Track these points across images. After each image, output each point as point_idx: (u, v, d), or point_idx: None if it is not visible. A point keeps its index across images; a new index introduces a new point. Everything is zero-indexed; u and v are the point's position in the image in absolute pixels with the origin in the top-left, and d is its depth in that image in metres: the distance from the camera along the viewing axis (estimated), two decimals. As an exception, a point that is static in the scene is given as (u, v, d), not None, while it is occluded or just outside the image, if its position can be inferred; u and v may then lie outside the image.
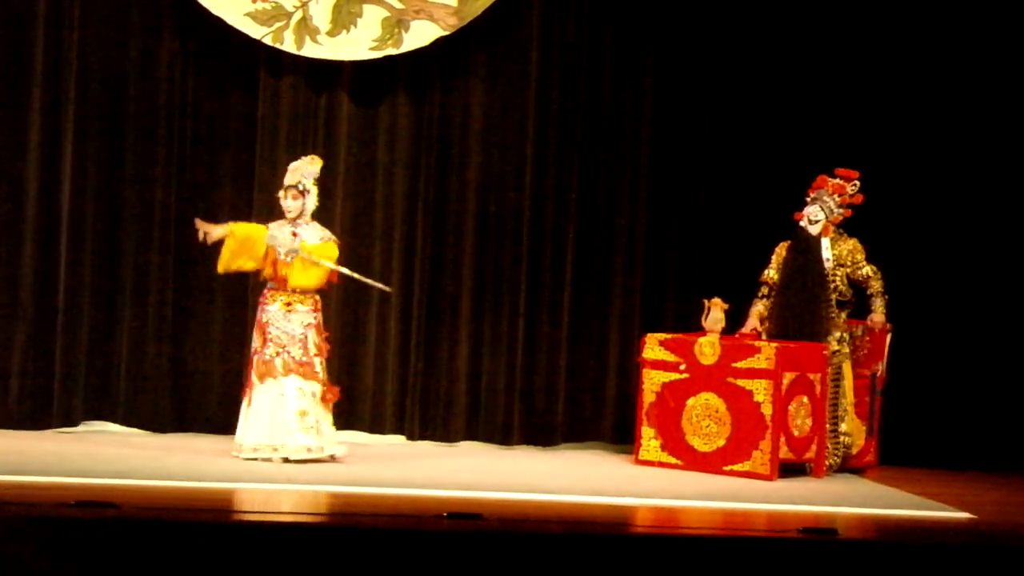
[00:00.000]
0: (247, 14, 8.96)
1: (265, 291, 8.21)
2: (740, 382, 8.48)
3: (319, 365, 8.13)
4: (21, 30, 8.89)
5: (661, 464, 8.60)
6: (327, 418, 8.15)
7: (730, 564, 5.97)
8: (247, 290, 9.10)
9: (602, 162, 9.51)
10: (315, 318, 8.17)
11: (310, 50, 9.05)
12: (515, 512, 6.96)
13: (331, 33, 9.06)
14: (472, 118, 9.36)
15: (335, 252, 8.22)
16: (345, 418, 9.21)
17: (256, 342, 8.14)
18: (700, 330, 8.73)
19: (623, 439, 9.19)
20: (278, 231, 8.15)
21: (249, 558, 5.52)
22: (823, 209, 8.78)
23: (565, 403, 9.43)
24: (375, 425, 9.26)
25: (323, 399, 8.11)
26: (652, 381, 8.70)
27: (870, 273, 8.84)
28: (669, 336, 8.77)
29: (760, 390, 8.44)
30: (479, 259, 9.38)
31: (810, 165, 9.02)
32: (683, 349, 8.64)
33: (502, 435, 9.32)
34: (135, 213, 9.04)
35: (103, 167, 9.01)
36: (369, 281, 8.44)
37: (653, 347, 8.72)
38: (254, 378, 8.07)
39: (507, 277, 9.39)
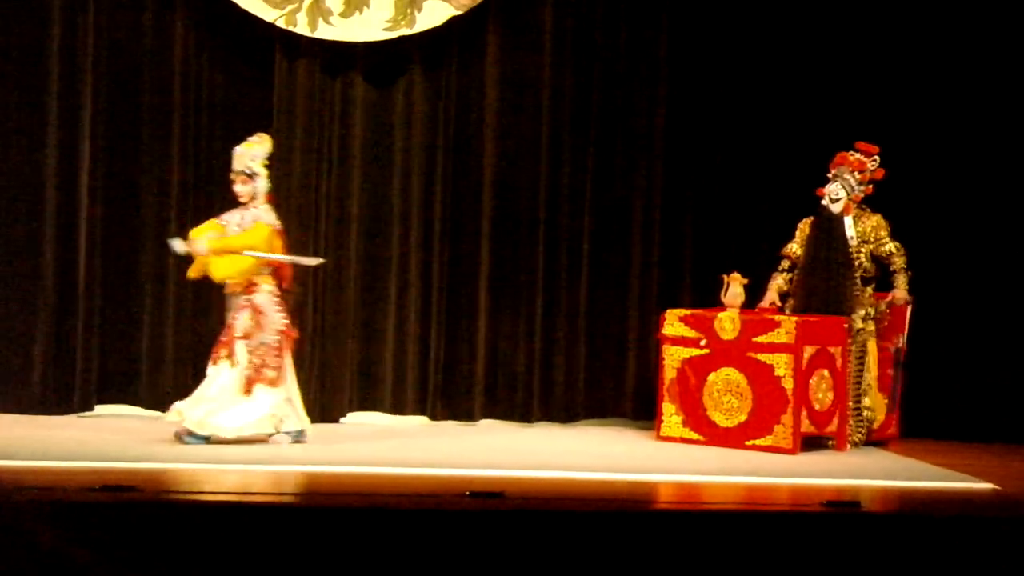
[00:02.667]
0: (260, -3, 8.96)
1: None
2: (761, 357, 8.46)
3: (243, 349, 7.84)
4: (37, 16, 8.89)
5: (683, 440, 8.59)
6: (230, 400, 7.85)
7: (753, 539, 5.96)
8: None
9: (618, 138, 9.49)
10: (248, 300, 7.89)
11: (323, 32, 9.03)
12: (537, 490, 6.95)
13: (344, 14, 9.04)
14: (487, 97, 9.34)
15: (261, 237, 7.89)
16: (365, 399, 9.24)
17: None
18: (719, 305, 8.71)
19: (643, 415, 9.18)
20: (230, 221, 7.97)
21: (268, 539, 5.53)
22: (844, 187, 8.74)
23: (585, 380, 9.43)
24: (397, 406, 9.28)
25: (244, 387, 7.86)
26: (672, 357, 8.68)
27: (893, 250, 8.80)
28: (689, 312, 8.75)
29: (781, 364, 8.42)
30: (497, 238, 9.37)
31: (830, 137, 8.98)
32: (703, 325, 8.63)
33: (523, 413, 9.32)
34: (153, 198, 9.05)
35: (120, 154, 9.02)
36: (296, 260, 8.15)
37: (673, 323, 8.71)
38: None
39: (525, 255, 9.38)
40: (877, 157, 8.79)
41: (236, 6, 8.92)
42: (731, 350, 8.53)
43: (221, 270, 7.88)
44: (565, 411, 9.39)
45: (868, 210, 8.88)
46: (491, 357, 9.35)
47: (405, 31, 9.12)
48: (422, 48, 9.26)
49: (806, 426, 8.43)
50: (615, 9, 9.46)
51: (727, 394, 8.53)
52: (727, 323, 8.57)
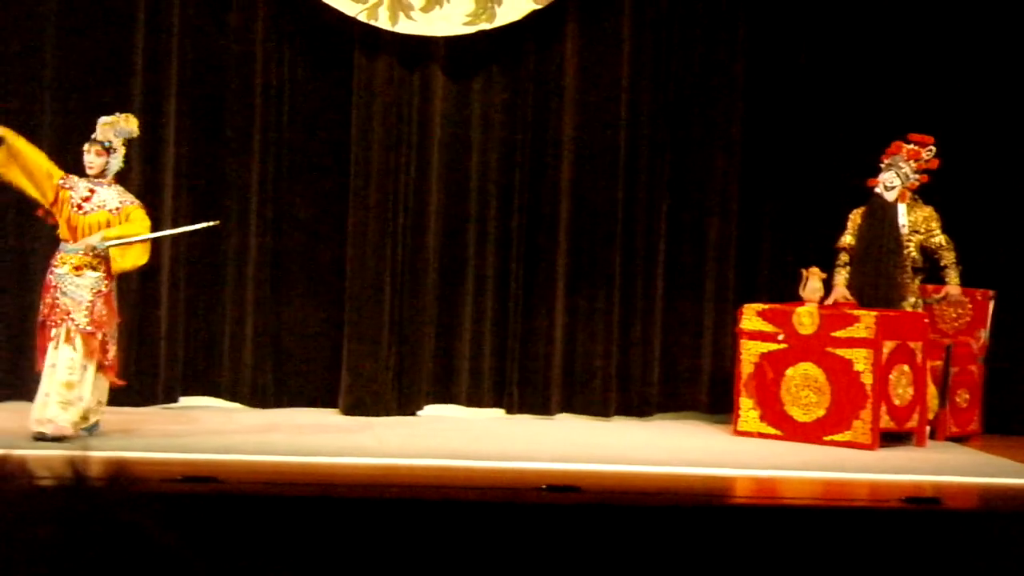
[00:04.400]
0: (342, -9, 9.01)
1: (57, 251, 7.51)
2: (839, 351, 8.40)
3: (100, 338, 7.42)
4: (122, 15, 9.00)
5: (760, 435, 8.56)
6: (101, 395, 7.48)
7: (832, 535, 5.93)
8: (344, 265, 9.19)
9: (696, 130, 9.46)
10: (106, 286, 7.46)
11: (404, 26, 9.07)
12: (614, 484, 6.96)
13: (424, 9, 9.07)
14: (566, 91, 9.34)
15: (144, 217, 7.57)
16: (443, 392, 9.29)
17: (41, 306, 7.45)
18: (798, 300, 8.67)
19: (719, 410, 9.16)
20: (75, 187, 7.47)
21: (344, 531, 5.58)
22: (899, 175, 8.68)
23: (660, 374, 9.42)
24: (473, 399, 9.31)
25: (102, 373, 7.44)
26: (750, 352, 8.65)
27: (943, 243, 8.71)
28: (767, 306, 8.71)
29: (860, 359, 8.35)
30: (574, 233, 9.37)
31: (905, 129, 8.91)
32: (781, 319, 8.59)
33: (599, 408, 9.33)
34: (233, 192, 9.14)
35: (202, 149, 9.12)
36: (192, 228, 8.02)
37: (751, 317, 8.67)
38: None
39: (602, 249, 9.38)
40: (933, 147, 8.71)
41: (317, 2, 8.98)
42: (809, 345, 8.48)
43: (127, 262, 7.50)
44: (641, 405, 9.39)
45: (920, 201, 8.81)
46: (568, 351, 9.35)
47: (485, 25, 9.13)
48: (501, 43, 9.27)
49: (885, 422, 8.36)
50: (693, 3, 9.42)
51: (805, 389, 8.48)
52: (805, 318, 8.52)
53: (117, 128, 7.61)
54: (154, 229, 7.89)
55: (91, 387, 7.42)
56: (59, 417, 7.31)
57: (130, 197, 7.63)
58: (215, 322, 9.15)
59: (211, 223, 8.04)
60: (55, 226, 7.57)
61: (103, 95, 9.00)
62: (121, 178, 7.81)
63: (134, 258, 7.54)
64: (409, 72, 9.26)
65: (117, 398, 8.90)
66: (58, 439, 7.23)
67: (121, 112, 7.77)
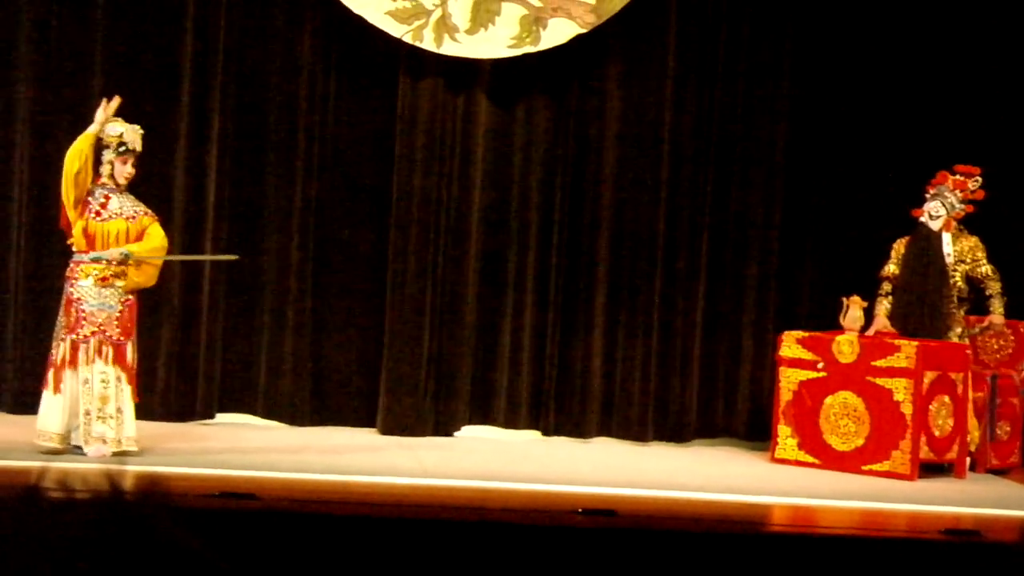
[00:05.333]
0: (388, 12, 9.03)
1: (72, 264, 7.37)
2: (879, 381, 8.36)
3: (131, 350, 7.37)
4: (170, 33, 9.07)
5: (798, 463, 8.52)
6: (130, 407, 7.36)
7: (869, 565, 5.89)
8: (384, 285, 9.22)
9: (737, 159, 9.45)
10: (132, 294, 7.41)
11: (449, 48, 9.10)
12: (649, 509, 6.94)
13: (470, 31, 9.10)
14: (609, 117, 9.35)
15: (161, 233, 7.52)
16: (480, 413, 9.29)
17: (66, 322, 7.28)
18: (837, 328, 8.64)
19: (757, 437, 9.13)
20: (93, 194, 7.37)
21: (382, 551, 5.58)
22: (944, 204, 8.65)
23: (699, 400, 9.40)
24: (510, 421, 9.32)
25: (129, 384, 7.33)
26: (789, 379, 8.62)
27: (989, 272, 8.67)
28: (806, 334, 8.68)
29: (900, 389, 8.31)
30: (614, 258, 9.37)
31: (951, 158, 8.87)
32: (821, 347, 8.55)
33: (636, 432, 9.31)
34: (275, 209, 9.19)
35: (245, 166, 9.17)
36: (212, 257, 8.10)
37: (790, 345, 8.65)
38: (64, 362, 7.25)
39: (641, 276, 9.37)
40: (979, 178, 8.68)
41: (363, 22, 9.02)
42: (849, 373, 8.45)
43: (140, 279, 7.44)
44: (678, 431, 9.37)
45: (966, 231, 8.77)
46: (606, 375, 9.35)
47: (530, 48, 9.16)
48: (544, 66, 9.29)
49: (925, 452, 8.31)
50: (738, 31, 9.42)
51: (844, 418, 8.44)
52: (845, 346, 8.48)
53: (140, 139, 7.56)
54: (172, 244, 7.89)
55: (128, 399, 7.43)
56: (105, 434, 7.31)
57: (143, 207, 7.55)
58: (253, 339, 9.19)
59: (230, 256, 8.14)
60: (67, 238, 7.49)
61: (150, 114, 9.06)
62: (162, 196, 7.85)
63: (147, 278, 7.51)
64: (453, 95, 9.28)
65: (154, 413, 8.99)
66: (101, 456, 7.25)
67: (140, 128, 7.66)
